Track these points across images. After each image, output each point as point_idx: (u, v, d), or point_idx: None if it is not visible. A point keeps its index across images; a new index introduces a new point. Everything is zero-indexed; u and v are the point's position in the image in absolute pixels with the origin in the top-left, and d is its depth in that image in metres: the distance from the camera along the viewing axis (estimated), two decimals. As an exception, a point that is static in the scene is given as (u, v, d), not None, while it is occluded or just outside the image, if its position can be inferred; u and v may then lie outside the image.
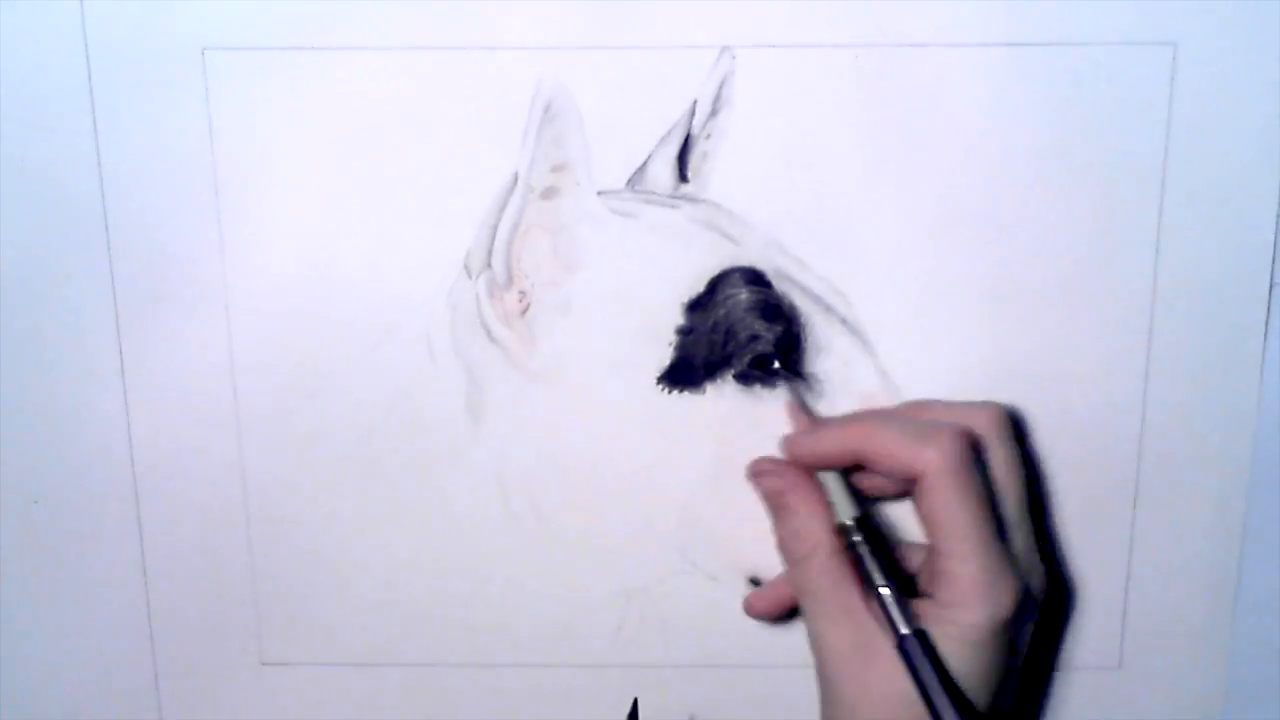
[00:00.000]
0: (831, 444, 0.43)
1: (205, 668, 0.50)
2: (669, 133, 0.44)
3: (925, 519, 0.41)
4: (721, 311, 0.45)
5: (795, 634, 0.48)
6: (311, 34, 0.43)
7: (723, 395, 0.46)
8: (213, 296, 0.46)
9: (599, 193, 0.44)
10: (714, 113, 0.43)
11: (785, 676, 0.49)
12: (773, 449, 0.45)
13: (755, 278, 0.45)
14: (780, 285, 0.45)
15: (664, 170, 0.44)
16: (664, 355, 0.45)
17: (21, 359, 0.46)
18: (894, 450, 0.41)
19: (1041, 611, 0.43)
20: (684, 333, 0.45)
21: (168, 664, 0.50)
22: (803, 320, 0.45)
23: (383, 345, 0.46)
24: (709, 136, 0.44)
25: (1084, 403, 0.46)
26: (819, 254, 0.45)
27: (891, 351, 0.45)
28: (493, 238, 0.45)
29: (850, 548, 0.42)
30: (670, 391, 0.46)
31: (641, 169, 0.44)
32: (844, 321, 0.45)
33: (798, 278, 0.45)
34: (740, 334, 0.45)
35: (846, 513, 0.42)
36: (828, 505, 0.43)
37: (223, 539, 0.48)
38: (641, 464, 0.47)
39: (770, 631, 0.48)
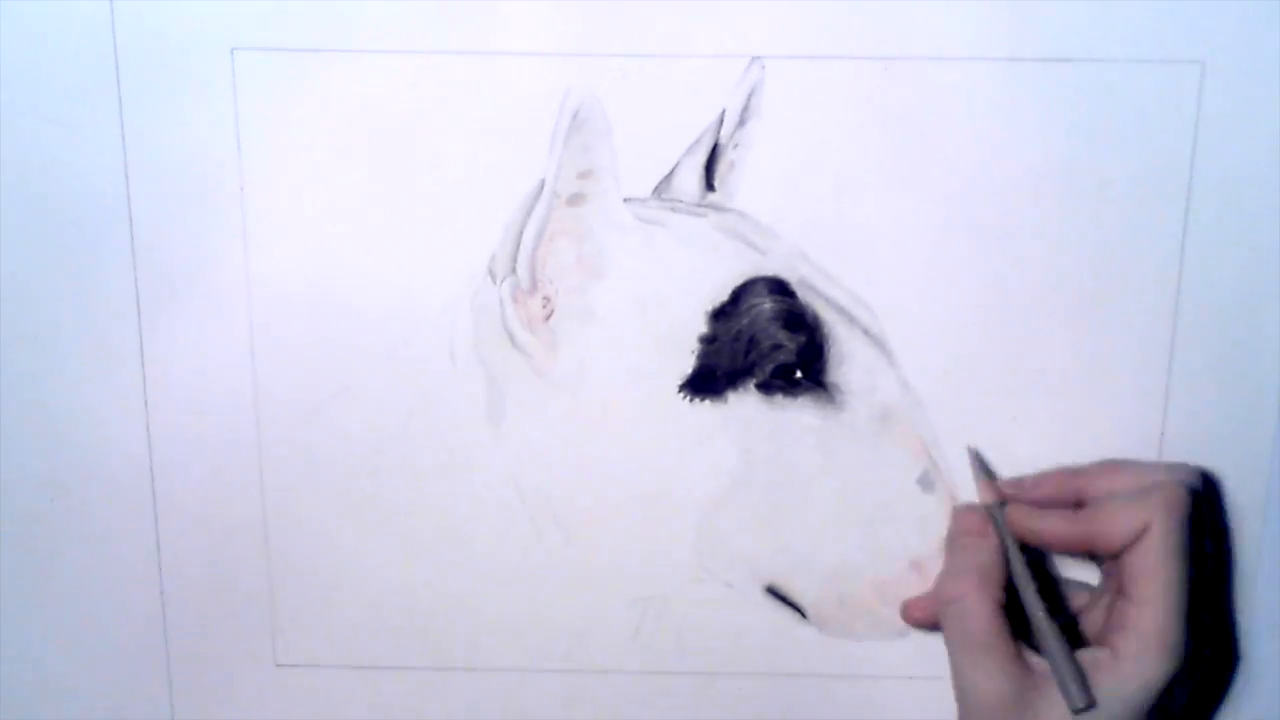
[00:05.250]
0: (1056, 484, 0.44)
1: (219, 668, 0.50)
2: (697, 141, 0.44)
3: (1133, 565, 0.40)
4: (745, 320, 0.45)
5: (810, 642, 0.48)
6: (341, 36, 0.43)
7: (745, 404, 0.46)
8: (235, 296, 0.46)
9: (625, 200, 0.44)
10: (742, 122, 0.43)
11: (800, 685, 0.49)
12: (792, 458, 0.46)
13: (779, 287, 0.45)
14: (804, 295, 0.45)
15: (691, 179, 0.44)
16: (687, 363, 0.46)
17: (43, 354, 0.46)
18: (1124, 489, 0.41)
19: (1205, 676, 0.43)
20: (707, 341, 0.45)
21: (181, 664, 0.50)
22: (826, 330, 0.45)
23: (404, 348, 0.46)
24: (736, 146, 0.44)
25: (1104, 415, 0.46)
26: (843, 265, 0.45)
27: (914, 363, 0.45)
28: (518, 243, 0.45)
29: (1015, 599, 0.42)
30: (692, 400, 0.46)
31: (668, 177, 0.44)
32: (867, 332, 0.45)
33: (822, 288, 0.45)
34: (763, 343, 0.45)
35: (1019, 567, 0.43)
36: (1004, 556, 0.43)
37: (239, 539, 0.48)
38: (661, 471, 0.47)
39: (785, 640, 0.48)
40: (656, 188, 0.44)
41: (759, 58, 0.43)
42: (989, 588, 0.42)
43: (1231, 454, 0.46)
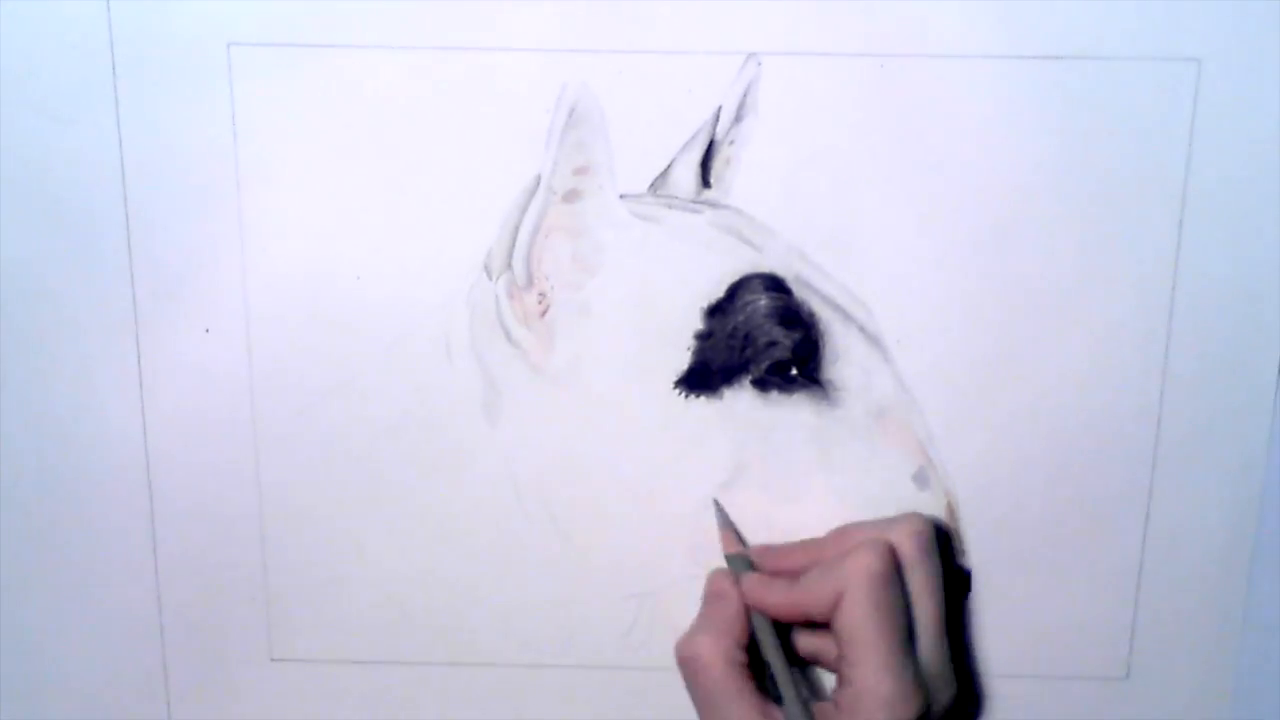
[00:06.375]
0: (798, 555, 0.45)
1: (215, 663, 0.50)
2: (693, 138, 0.44)
3: (838, 629, 0.41)
4: (741, 317, 0.45)
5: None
6: (337, 32, 0.43)
7: (740, 400, 0.46)
8: (232, 292, 0.46)
9: (621, 196, 0.45)
10: (738, 119, 0.44)
11: (795, 681, 0.49)
12: (788, 454, 0.46)
13: (775, 284, 0.45)
14: (800, 292, 0.45)
15: (687, 175, 0.44)
16: (682, 359, 0.46)
17: (39, 351, 0.46)
18: (824, 564, 0.43)
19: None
20: (703, 337, 0.45)
21: (177, 659, 0.50)
22: (821, 327, 0.45)
23: (401, 344, 0.46)
24: (732, 142, 0.44)
25: (1100, 412, 0.46)
26: (839, 261, 0.45)
27: (909, 359, 0.46)
28: (514, 239, 0.45)
29: (754, 659, 0.44)
30: (687, 396, 0.46)
31: (664, 173, 0.44)
32: (863, 329, 0.45)
33: (818, 285, 0.45)
34: (759, 340, 0.45)
35: (760, 622, 0.44)
36: (747, 622, 0.44)
37: (235, 534, 0.48)
38: (656, 467, 0.47)
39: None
40: (652, 184, 0.44)
41: (755, 54, 0.43)
42: (723, 645, 0.43)
43: (1227, 452, 0.46)
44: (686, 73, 0.43)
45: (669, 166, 0.44)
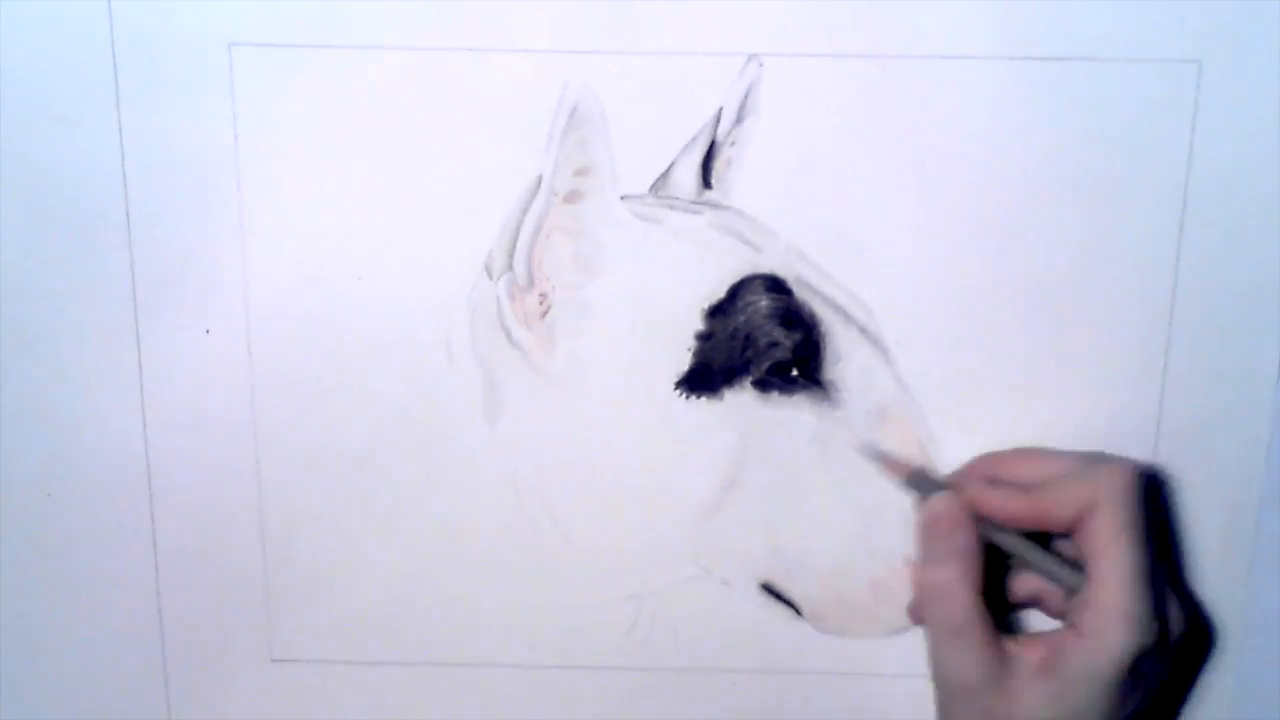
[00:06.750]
0: (980, 469, 0.45)
1: (215, 663, 0.50)
2: (694, 139, 0.44)
3: (1086, 540, 0.41)
4: (741, 318, 0.45)
5: (805, 638, 0.48)
6: (338, 32, 0.43)
7: (740, 401, 0.46)
8: (232, 293, 0.46)
9: (622, 197, 0.45)
10: (739, 120, 0.44)
11: (795, 682, 0.49)
12: (788, 455, 0.46)
13: (776, 285, 0.45)
14: (801, 293, 0.45)
15: (688, 176, 0.44)
16: (683, 360, 0.46)
17: (40, 352, 0.46)
18: (1072, 474, 0.42)
19: (1178, 654, 0.43)
20: (703, 338, 0.45)
21: (178, 659, 0.50)
22: (822, 328, 0.45)
23: (401, 344, 0.46)
24: (733, 143, 0.44)
25: (1100, 412, 0.46)
26: (840, 262, 0.45)
27: (910, 360, 0.46)
28: (514, 240, 0.45)
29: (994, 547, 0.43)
30: (688, 397, 0.46)
31: (665, 174, 0.44)
32: (863, 330, 0.45)
33: (818, 286, 0.45)
34: (759, 341, 0.45)
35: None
36: (980, 541, 0.43)
37: (235, 534, 0.48)
38: (657, 468, 0.47)
39: (780, 637, 0.48)
40: (653, 185, 0.45)
41: (756, 55, 0.43)
42: (971, 573, 0.42)
43: (1227, 452, 0.46)
44: (688, 74, 0.43)
45: (670, 167, 0.44)
